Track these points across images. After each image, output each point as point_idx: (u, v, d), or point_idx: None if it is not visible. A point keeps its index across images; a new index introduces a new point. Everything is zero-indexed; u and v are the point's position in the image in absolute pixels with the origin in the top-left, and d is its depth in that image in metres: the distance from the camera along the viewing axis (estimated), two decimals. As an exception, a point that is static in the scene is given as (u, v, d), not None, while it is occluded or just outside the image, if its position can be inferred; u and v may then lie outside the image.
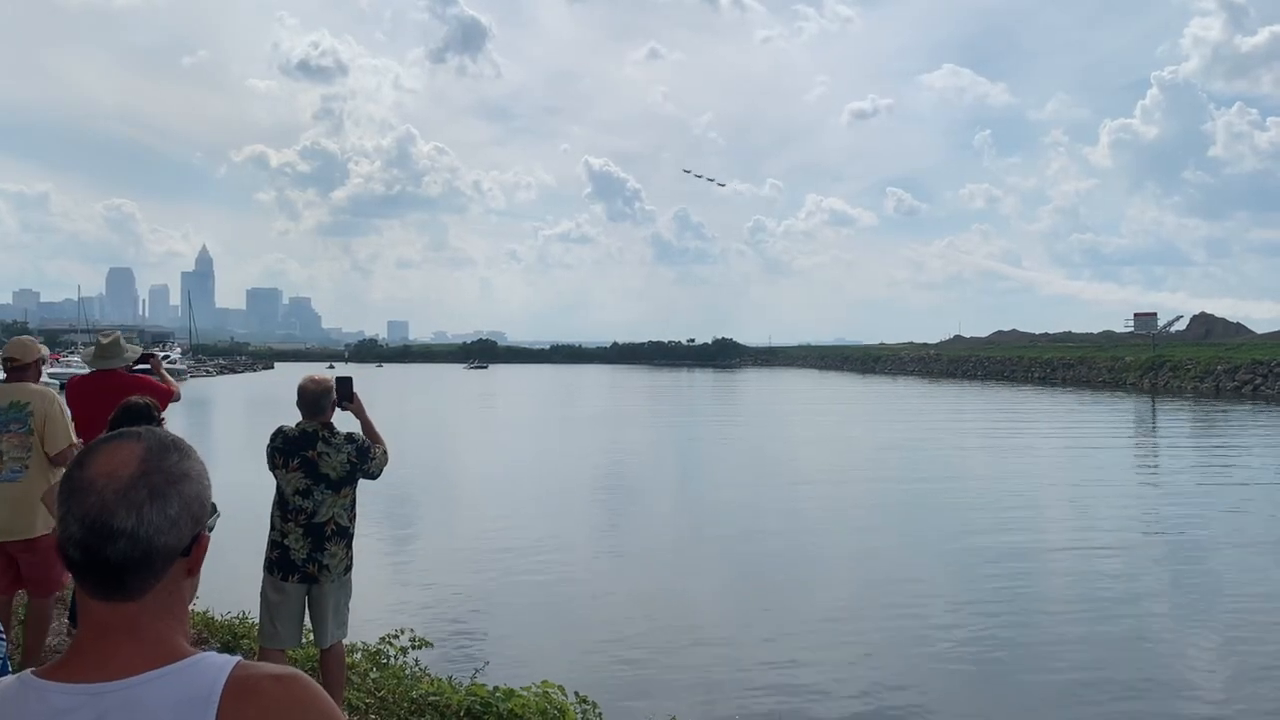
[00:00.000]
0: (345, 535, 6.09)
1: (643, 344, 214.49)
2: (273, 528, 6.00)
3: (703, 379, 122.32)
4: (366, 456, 6.10)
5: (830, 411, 58.85)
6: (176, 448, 1.51)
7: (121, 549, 1.41)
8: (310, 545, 5.96)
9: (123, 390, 7.10)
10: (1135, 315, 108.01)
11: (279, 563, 5.96)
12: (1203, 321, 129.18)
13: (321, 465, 5.98)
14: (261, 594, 6.07)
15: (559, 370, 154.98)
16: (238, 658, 1.44)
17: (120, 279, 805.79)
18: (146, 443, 1.48)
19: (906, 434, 42.55)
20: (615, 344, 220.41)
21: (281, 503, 5.97)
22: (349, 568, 6.15)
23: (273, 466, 5.99)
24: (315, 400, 6.07)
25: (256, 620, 6.51)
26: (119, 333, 8.15)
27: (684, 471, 31.49)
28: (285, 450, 5.98)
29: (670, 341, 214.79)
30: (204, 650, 1.44)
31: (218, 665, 1.42)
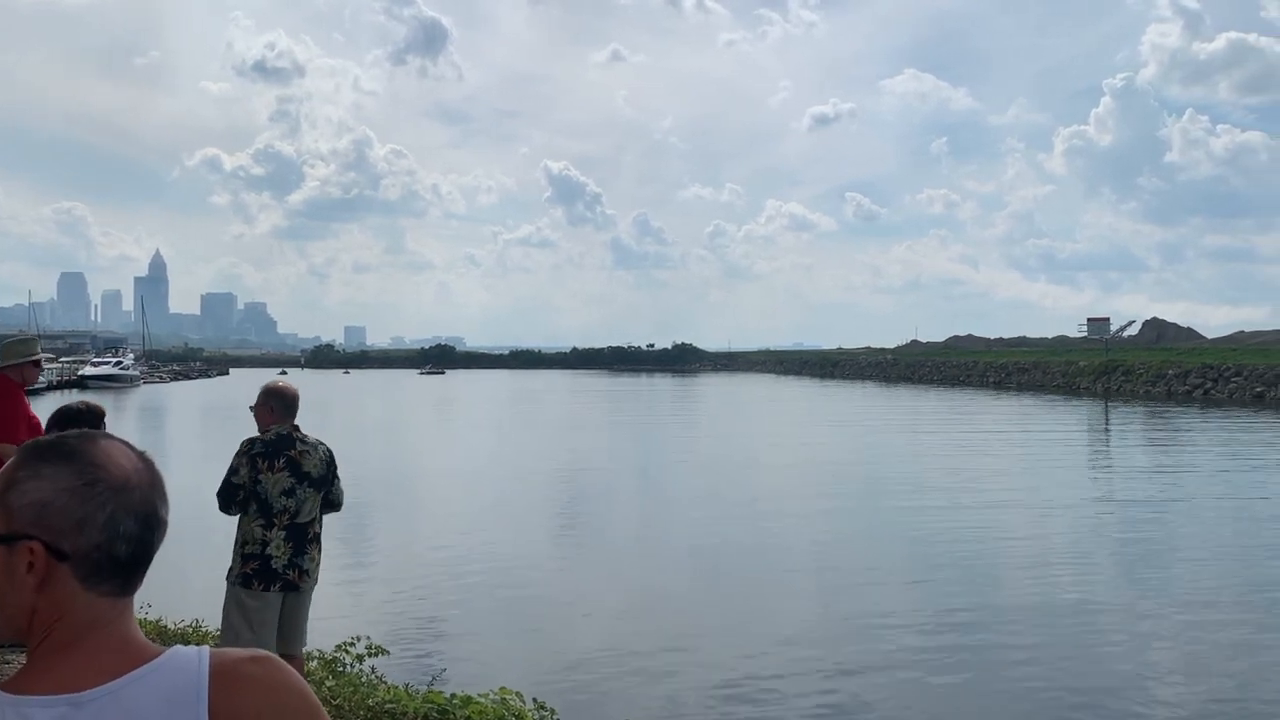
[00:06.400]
0: (319, 540, 6.21)
1: (602, 349, 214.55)
2: (249, 541, 5.96)
3: (662, 384, 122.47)
4: (335, 464, 6.35)
5: (786, 416, 59.16)
6: None
7: (161, 539, 1.46)
8: (292, 550, 6.00)
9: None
10: (1088, 320, 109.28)
11: (259, 573, 5.93)
12: (1154, 326, 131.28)
13: (304, 464, 6.10)
14: (233, 608, 5.99)
15: (517, 375, 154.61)
16: (206, 647, 1.44)
17: (72, 284, 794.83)
18: (120, 439, 1.50)
19: (863, 438, 42.83)
20: (575, 349, 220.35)
21: (265, 508, 5.96)
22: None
23: (254, 472, 5.96)
24: (294, 404, 6.29)
25: (211, 629, 6.46)
26: (21, 330, 8.09)
27: (643, 477, 31.49)
28: (268, 453, 6.01)
29: (630, 346, 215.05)
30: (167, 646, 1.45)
31: (193, 657, 1.42)
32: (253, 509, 5.99)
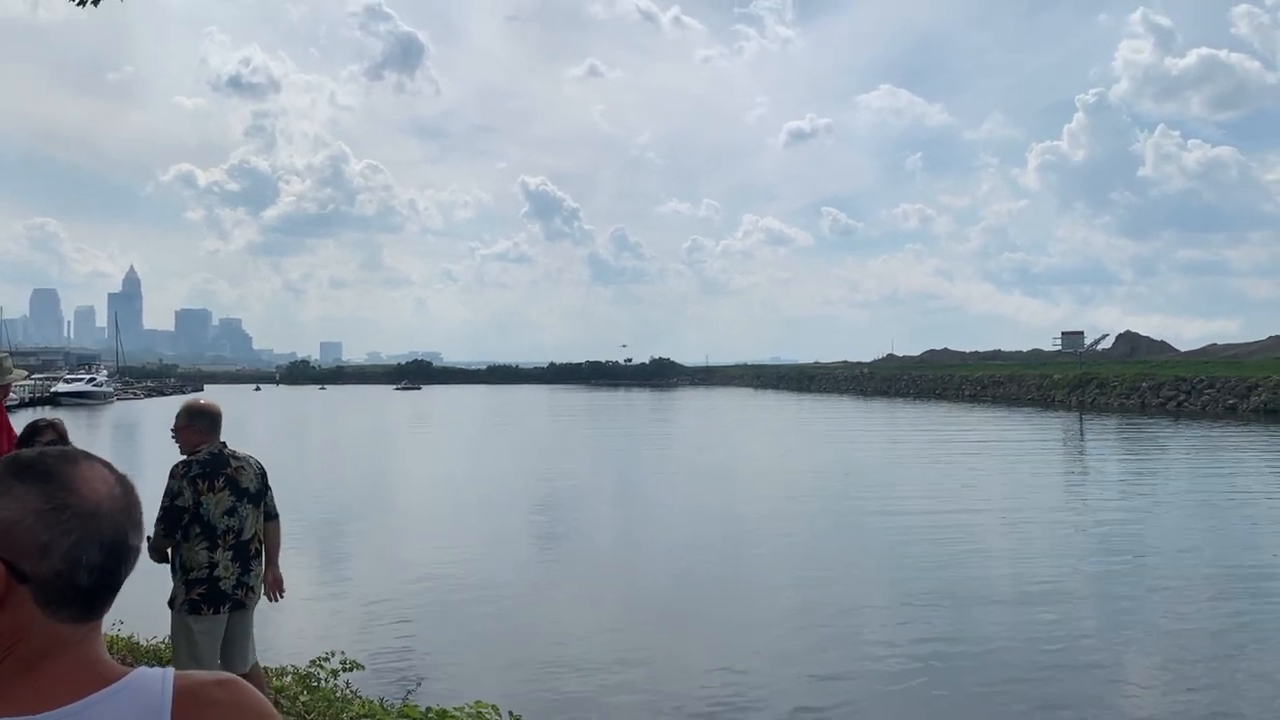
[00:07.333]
0: (260, 556, 6.15)
1: (580, 364, 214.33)
2: (193, 566, 5.85)
3: (640, 399, 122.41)
4: (267, 476, 6.30)
5: (764, 429, 59.24)
6: None
7: (130, 567, 1.43)
8: (239, 569, 5.93)
9: None
10: (1063, 333, 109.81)
11: (208, 597, 5.84)
12: (1128, 339, 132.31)
13: (241, 480, 6.03)
14: (182, 635, 5.90)
15: (494, 391, 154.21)
16: (170, 669, 1.43)
17: (44, 300, 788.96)
18: (101, 460, 1.47)
19: (841, 450, 42.91)
20: (552, 364, 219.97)
21: (209, 531, 5.86)
22: None
23: (196, 495, 5.86)
24: (219, 420, 6.19)
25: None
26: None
27: (622, 490, 31.45)
28: (208, 474, 5.92)
29: (608, 361, 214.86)
30: (133, 667, 1.44)
31: (158, 679, 1.41)
32: (195, 533, 5.86)
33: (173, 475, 5.90)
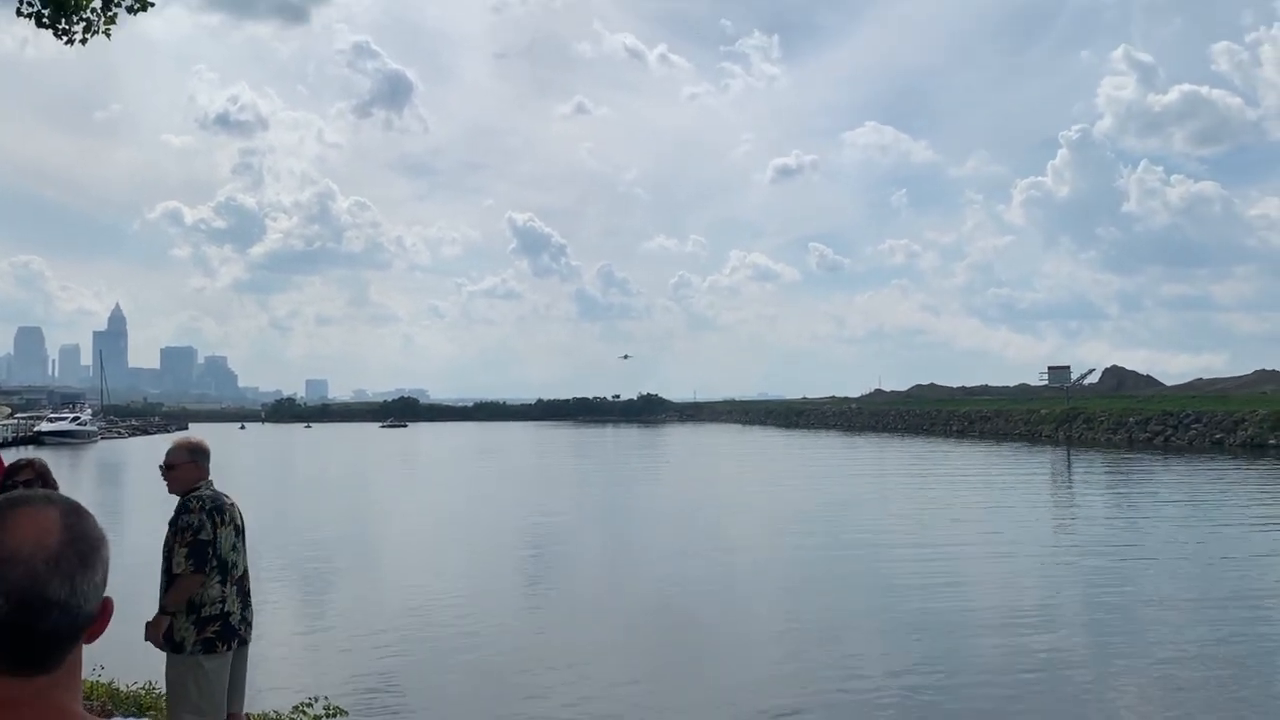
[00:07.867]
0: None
1: (567, 400, 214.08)
2: (208, 603, 5.75)
3: (628, 435, 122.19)
4: None
5: (753, 466, 59.13)
6: (85, 511, 1.45)
7: (55, 621, 1.34)
8: (241, 604, 5.92)
9: None
10: (1049, 368, 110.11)
11: (222, 634, 5.77)
12: (1114, 374, 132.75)
13: (236, 517, 6.06)
14: (191, 676, 5.69)
15: (481, 428, 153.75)
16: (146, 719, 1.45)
17: (29, 338, 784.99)
18: (61, 507, 1.41)
19: (830, 486, 42.85)
20: (540, 401, 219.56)
21: (223, 565, 5.82)
22: None
23: (214, 529, 5.82)
24: (210, 456, 6.18)
25: (162, 691, 6.27)
26: None
27: (609, 530, 31.25)
28: (216, 510, 5.90)
29: (595, 398, 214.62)
30: (109, 717, 1.49)
31: None
32: (211, 567, 5.80)
33: (189, 510, 5.83)
